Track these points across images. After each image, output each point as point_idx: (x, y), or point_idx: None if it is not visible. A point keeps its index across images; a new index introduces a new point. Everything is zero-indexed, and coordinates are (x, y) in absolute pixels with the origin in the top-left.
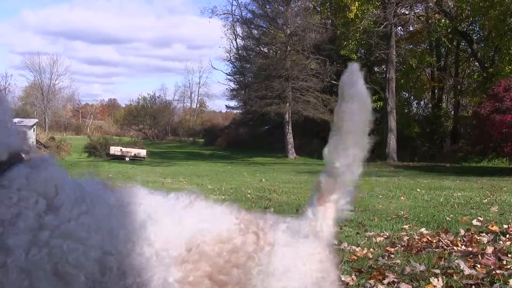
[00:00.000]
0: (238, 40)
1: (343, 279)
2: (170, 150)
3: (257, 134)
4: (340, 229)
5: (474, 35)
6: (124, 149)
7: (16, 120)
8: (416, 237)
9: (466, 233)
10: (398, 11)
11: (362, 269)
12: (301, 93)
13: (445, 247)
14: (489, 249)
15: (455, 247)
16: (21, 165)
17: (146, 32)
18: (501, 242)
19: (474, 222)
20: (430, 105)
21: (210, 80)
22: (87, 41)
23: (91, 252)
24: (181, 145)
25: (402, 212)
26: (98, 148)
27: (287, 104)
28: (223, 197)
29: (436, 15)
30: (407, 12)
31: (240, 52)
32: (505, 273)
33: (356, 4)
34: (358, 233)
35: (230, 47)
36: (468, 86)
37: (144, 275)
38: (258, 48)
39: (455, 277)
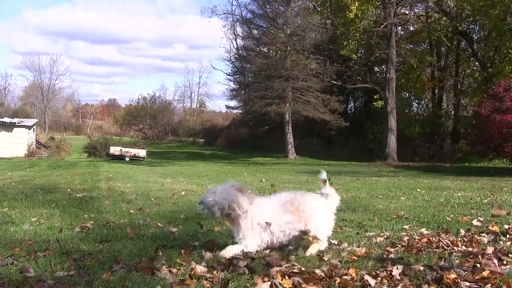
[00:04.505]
0: (238, 40)
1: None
2: (170, 150)
3: (257, 134)
4: (340, 229)
5: (474, 35)
6: (123, 149)
7: (16, 120)
8: (416, 237)
9: (467, 233)
10: (398, 11)
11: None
12: (301, 93)
13: (446, 247)
14: (490, 250)
15: (455, 247)
16: None
17: (147, 32)
18: (501, 242)
19: (475, 222)
20: (430, 105)
21: (210, 80)
22: (88, 41)
23: None
24: (181, 145)
25: (402, 212)
26: (98, 148)
27: (287, 104)
28: None
29: (436, 14)
30: (407, 12)
31: (240, 52)
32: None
33: (356, 4)
34: (358, 233)
35: (230, 47)
36: (468, 86)
37: None
38: (258, 48)
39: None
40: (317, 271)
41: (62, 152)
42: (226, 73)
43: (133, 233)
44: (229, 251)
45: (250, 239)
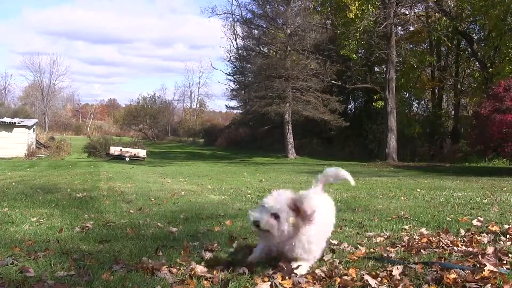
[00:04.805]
0: (238, 40)
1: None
2: (170, 150)
3: (257, 134)
4: (340, 229)
5: (474, 35)
6: (123, 149)
7: (16, 120)
8: (416, 237)
9: (467, 233)
10: (398, 11)
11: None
12: (301, 93)
13: (445, 247)
14: (490, 250)
15: (455, 247)
16: None
17: (147, 32)
18: (501, 242)
19: (475, 222)
20: (430, 105)
21: (210, 80)
22: (88, 41)
23: None
24: (181, 145)
25: (402, 212)
26: (98, 148)
27: (287, 104)
28: (223, 197)
29: (436, 14)
30: (407, 12)
31: (240, 52)
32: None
33: (356, 4)
34: (358, 233)
35: (230, 47)
36: (468, 86)
37: None
38: (258, 48)
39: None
40: (317, 271)
41: (62, 152)
42: (226, 73)
43: (133, 233)
44: (303, 269)
45: (316, 250)
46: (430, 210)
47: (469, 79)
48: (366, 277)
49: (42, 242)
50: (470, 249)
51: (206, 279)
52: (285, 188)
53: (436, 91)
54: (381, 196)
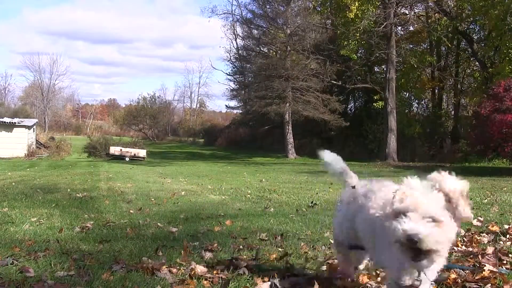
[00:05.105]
0: (238, 40)
1: None
2: (170, 150)
3: (257, 134)
4: None
5: (474, 35)
6: (123, 149)
7: (16, 120)
8: None
9: (467, 233)
10: (398, 11)
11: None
12: (301, 93)
13: None
14: (490, 249)
15: (455, 247)
16: None
17: (147, 32)
18: (501, 242)
19: (474, 222)
20: (430, 105)
21: (210, 80)
22: (88, 41)
23: None
24: (181, 145)
25: None
26: (98, 148)
27: (287, 104)
28: (223, 197)
29: (436, 14)
30: (407, 12)
31: (240, 52)
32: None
33: (356, 4)
34: None
35: (230, 47)
36: (468, 86)
37: None
38: (258, 48)
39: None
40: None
41: (62, 152)
42: (226, 73)
43: (133, 233)
44: None
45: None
46: None
47: (469, 79)
48: (366, 277)
49: (42, 242)
50: (470, 249)
51: (206, 279)
52: (286, 188)
53: (436, 91)
54: None
